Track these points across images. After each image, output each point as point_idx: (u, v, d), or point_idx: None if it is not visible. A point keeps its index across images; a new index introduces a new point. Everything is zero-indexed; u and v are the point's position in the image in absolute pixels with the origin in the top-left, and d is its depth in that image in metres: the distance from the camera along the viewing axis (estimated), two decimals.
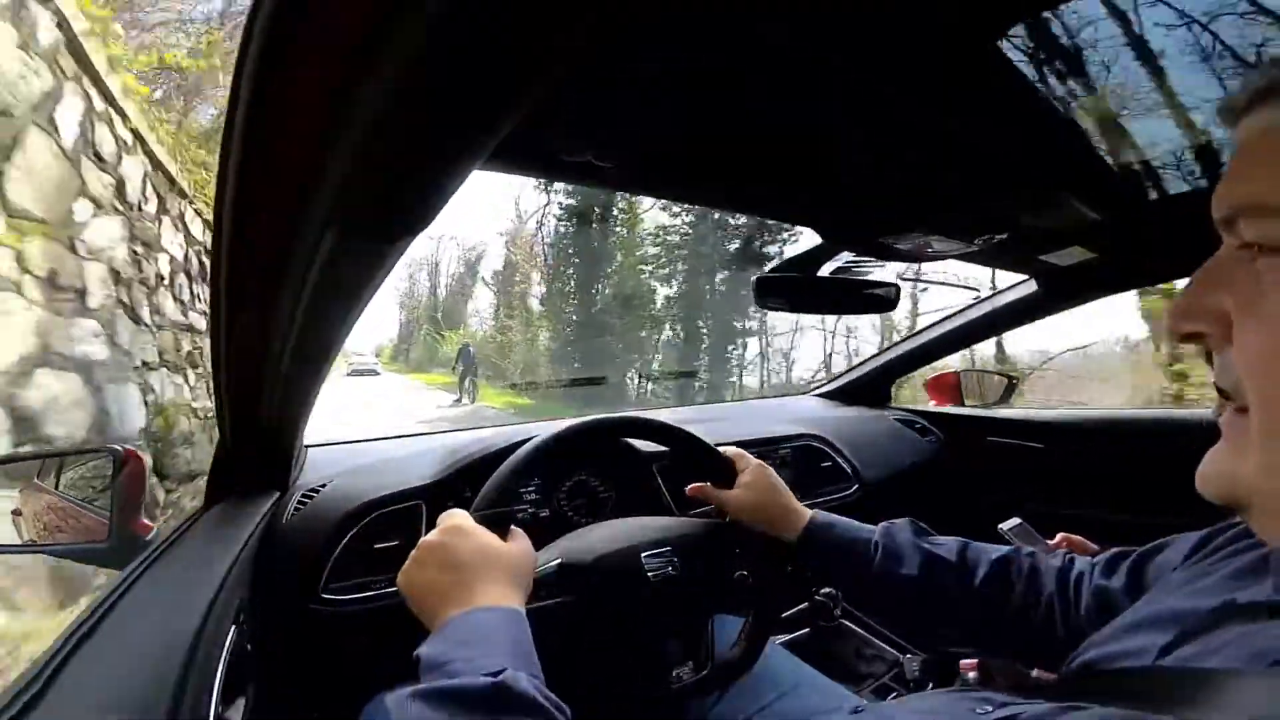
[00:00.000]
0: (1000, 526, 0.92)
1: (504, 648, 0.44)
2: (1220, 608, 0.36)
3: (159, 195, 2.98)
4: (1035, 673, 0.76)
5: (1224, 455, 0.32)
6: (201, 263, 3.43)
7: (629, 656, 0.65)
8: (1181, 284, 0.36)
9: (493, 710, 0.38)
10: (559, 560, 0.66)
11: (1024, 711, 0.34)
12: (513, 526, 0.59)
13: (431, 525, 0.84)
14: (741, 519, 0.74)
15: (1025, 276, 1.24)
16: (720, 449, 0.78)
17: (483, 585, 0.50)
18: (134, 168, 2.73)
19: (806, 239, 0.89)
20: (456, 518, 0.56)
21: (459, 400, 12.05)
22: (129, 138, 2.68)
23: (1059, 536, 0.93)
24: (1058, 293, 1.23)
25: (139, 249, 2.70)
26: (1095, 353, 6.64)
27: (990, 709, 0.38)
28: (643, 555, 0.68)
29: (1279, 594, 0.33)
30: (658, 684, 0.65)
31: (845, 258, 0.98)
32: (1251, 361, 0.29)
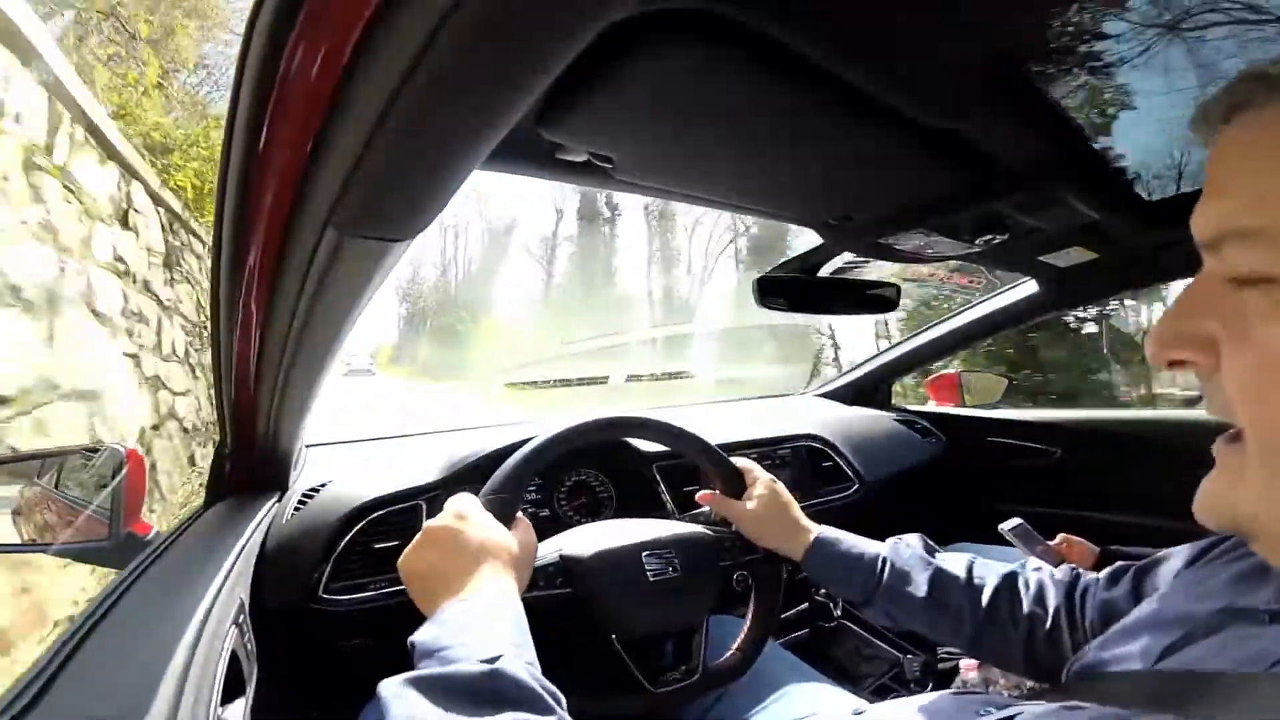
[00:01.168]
0: (1001, 527, 0.92)
1: (502, 635, 0.43)
2: (1221, 611, 0.36)
3: None
4: None
5: (1221, 483, 0.31)
6: None
7: (621, 655, 0.65)
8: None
9: (487, 695, 0.37)
10: (560, 551, 0.66)
11: (1023, 713, 0.34)
12: (519, 515, 0.59)
13: None
14: (747, 532, 0.73)
15: (1025, 277, 1.24)
16: (732, 459, 0.77)
17: (484, 573, 0.49)
18: None
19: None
20: (464, 502, 0.56)
21: None
22: None
23: (1060, 537, 0.93)
24: (1058, 293, 1.23)
25: None
26: None
27: (993, 711, 0.38)
28: (644, 554, 0.68)
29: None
30: (648, 684, 0.65)
31: (845, 258, 0.98)
32: (1243, 388, 0.28)
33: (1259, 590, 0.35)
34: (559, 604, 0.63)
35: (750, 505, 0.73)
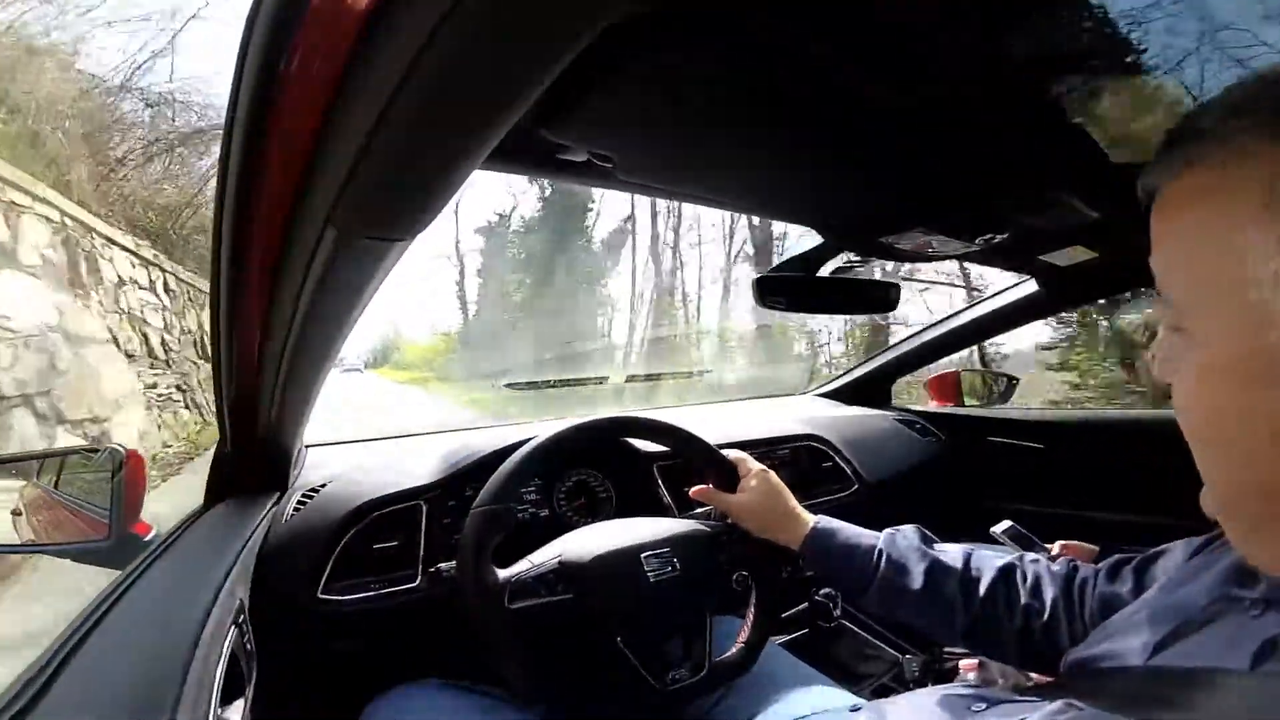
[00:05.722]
0: (993, 530, 0.92)
1: None
2: (1215, 602, 0.36)
3: None
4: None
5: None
6: None
7: (627, 656, 0.65)
8: None
9: None
10: (559, 557, 0.66)
11: (1016, 709, 0.35)
12: None
13: (431, 525, 0.84)
14: (743, 523, 0.73)
15: (1025, 276, 1.24)
16: (724, 452, 0.78)
17: None
18: None
19: None
20: None
21: None
22: None
23: (1058, 544, 0.92)
24: (1058, 292, 1.23)
25: None
26: None
27: (984, 705, 0.39)
28: (643, 555, 0.68)
29: (1273, 589, 0.33)
30: (655, 684, 0.65)
31: (845, 257, 0.98)
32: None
33: (1255, 583, 0.35)
34: (561, 610, 0.63)
35: (743, 496, 0.73)
